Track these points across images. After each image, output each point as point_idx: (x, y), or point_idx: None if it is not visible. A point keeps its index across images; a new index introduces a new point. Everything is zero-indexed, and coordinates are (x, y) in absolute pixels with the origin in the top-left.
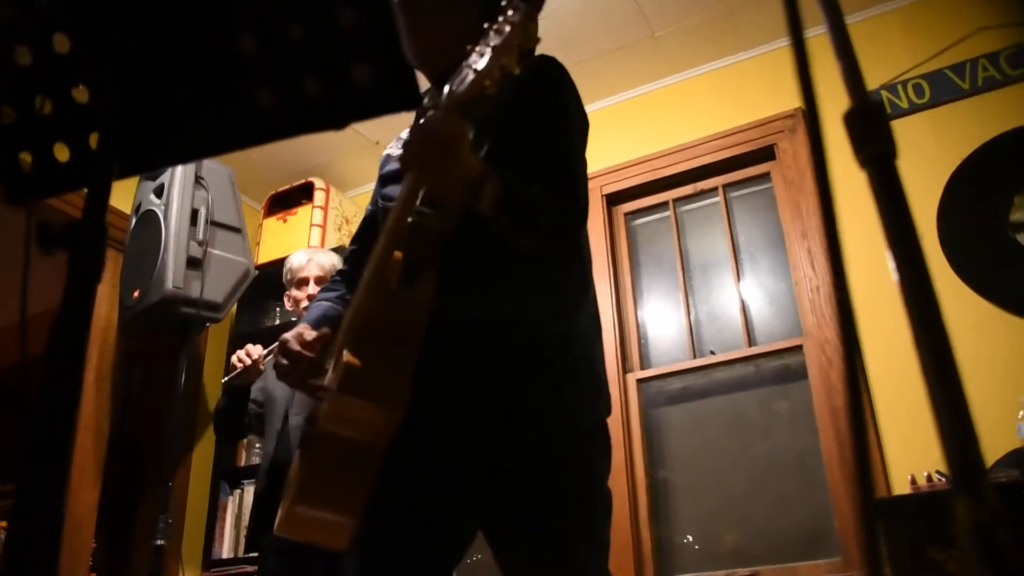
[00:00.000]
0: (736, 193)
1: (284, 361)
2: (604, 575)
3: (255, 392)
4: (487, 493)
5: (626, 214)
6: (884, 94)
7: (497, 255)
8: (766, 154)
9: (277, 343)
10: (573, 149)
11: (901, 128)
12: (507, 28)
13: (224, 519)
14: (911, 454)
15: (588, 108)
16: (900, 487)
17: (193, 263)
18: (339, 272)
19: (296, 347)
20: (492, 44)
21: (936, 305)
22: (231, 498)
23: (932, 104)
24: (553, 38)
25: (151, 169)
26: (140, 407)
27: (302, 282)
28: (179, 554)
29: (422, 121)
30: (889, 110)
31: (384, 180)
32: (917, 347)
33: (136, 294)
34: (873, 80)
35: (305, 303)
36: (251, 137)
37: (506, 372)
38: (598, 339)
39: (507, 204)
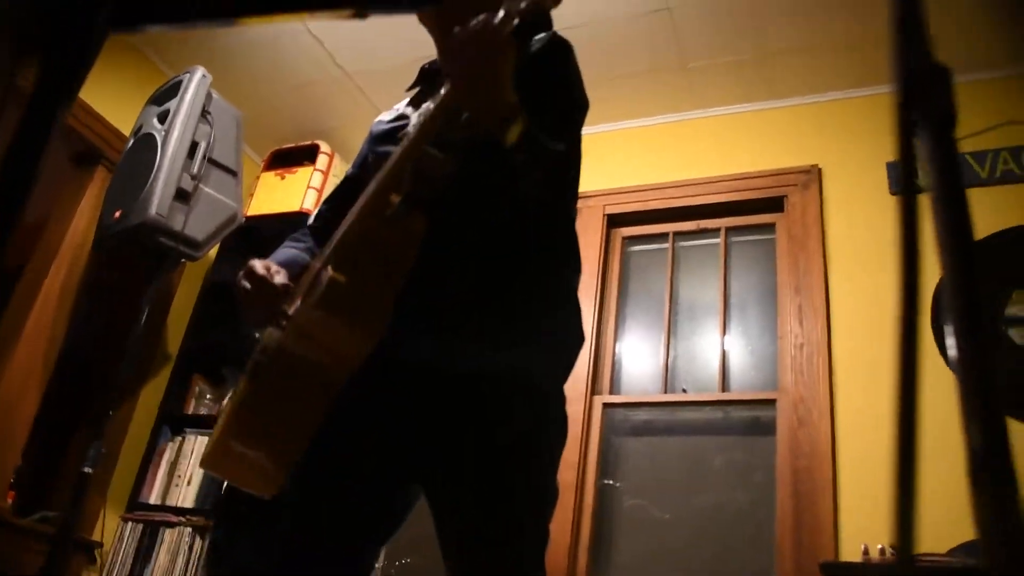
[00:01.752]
0: (738, 238)
1: (247, 285)
2: (540, 566)
3: None
4: (441, 456)
5: (624, 238)
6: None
7: (501, 208)
8: (775, 205)
9: (242, 269)
10: (573, 122)
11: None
12: None
13: (159, 464)
14: (867, 525)
15: (609, 127)
16: (850, 554)
17: (181, 195)
18: (308, 226)
19: (262, 271)
20: None
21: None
22: (170, 444)
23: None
24: (589, 47)
25: (147, 23)
26: (99, 331)
27: None
28: (105, 489)
29: (472, 28)
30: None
31: (377, 140)
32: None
33: (117, 214)
34: (893, 153)
35: None
36: (263, 5)
37: (485, 337)
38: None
39: (528, 143)
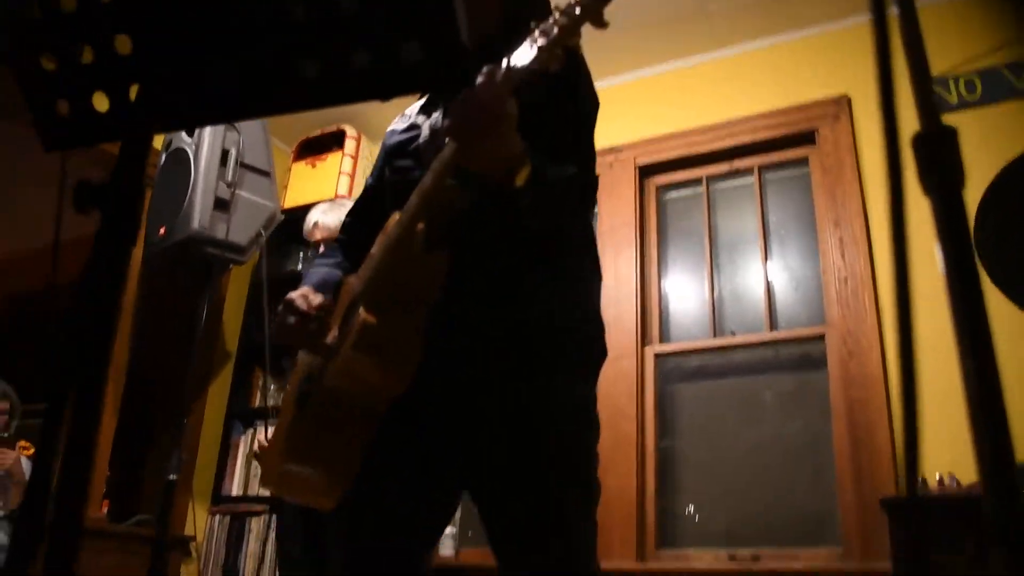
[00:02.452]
0: (772, 175)
1: (291, 319)
2: (592, 560)
3: None
4: (485, 466)
5: (658, 187)
6: (935, 88)
7: (514, 239)
8: (806, 138)
9: (281, 303)
10: (587, 129)
11: (949, 123)
12: (578, 10)
13: (236, 457)
14: (926, 453)
15: (630, 76)
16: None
17: (220, 204)
18: (337, 240)
19: (303, 305)
20: (561, 23)
21: (990, 343)
22: (243, 437)
23: (983, 102)
24: None
25: (189, 127)
26: (160, 342)
27: (313, 244)
28: (190, 488)
29: (474, 91)
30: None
31: (392, 154)
32: (963, 371)
33: (162, 231)
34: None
35: None
36: (293, 103)
37: (519, 353)
38: (600, 279)
39: (536, 186)
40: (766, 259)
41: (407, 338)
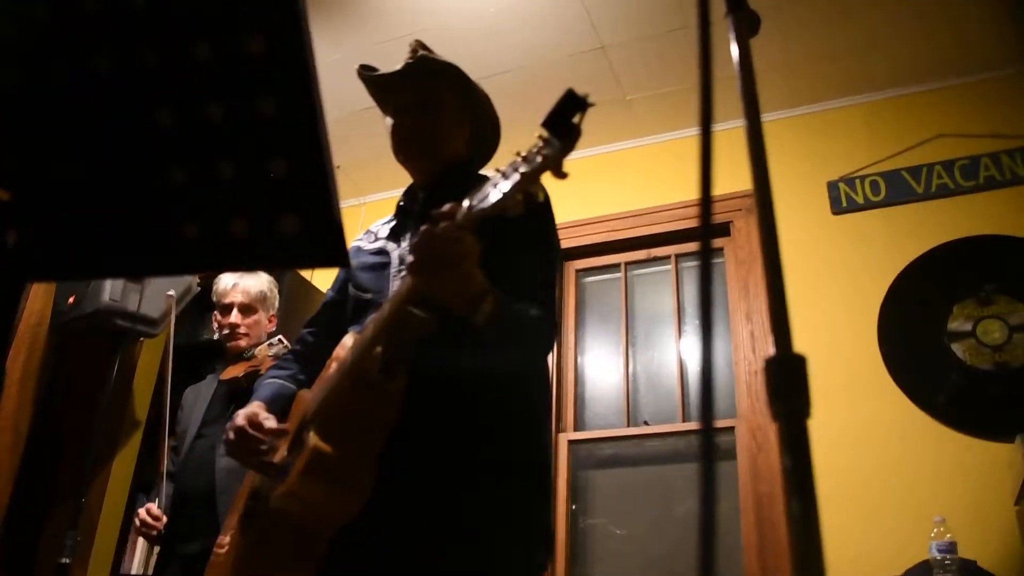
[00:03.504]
0: (688, 264)
1: (234, 439)
2: None
3: (176, 437)
4: None
5: (577, 271)
6: (842, 187)
7: (474, 372)
8: (721, 230)
9: (229, 423)
10: (552, 275)
11: (855, 222)
12: (539, 159)
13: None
14: (833, 559)
15: None
16: None
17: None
18: (291, 351)
19: (249, 430)
20: (521, 170)
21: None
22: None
23: (887, 203)
24: (528, 88)
25: (65, 279)
26: (64, 412)
27: (225, 308)
28: (84, 570)
29: (435, 230)
30: (845, 204)
31: (359, 270)
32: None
33: (71, 300)
34: (833, 171)
35: (226, 331)
36: (172, 265)
37: (468, 475)
38: (547, 484)
39: (499, 322)
40: (680, 348)
41: (359, 467)
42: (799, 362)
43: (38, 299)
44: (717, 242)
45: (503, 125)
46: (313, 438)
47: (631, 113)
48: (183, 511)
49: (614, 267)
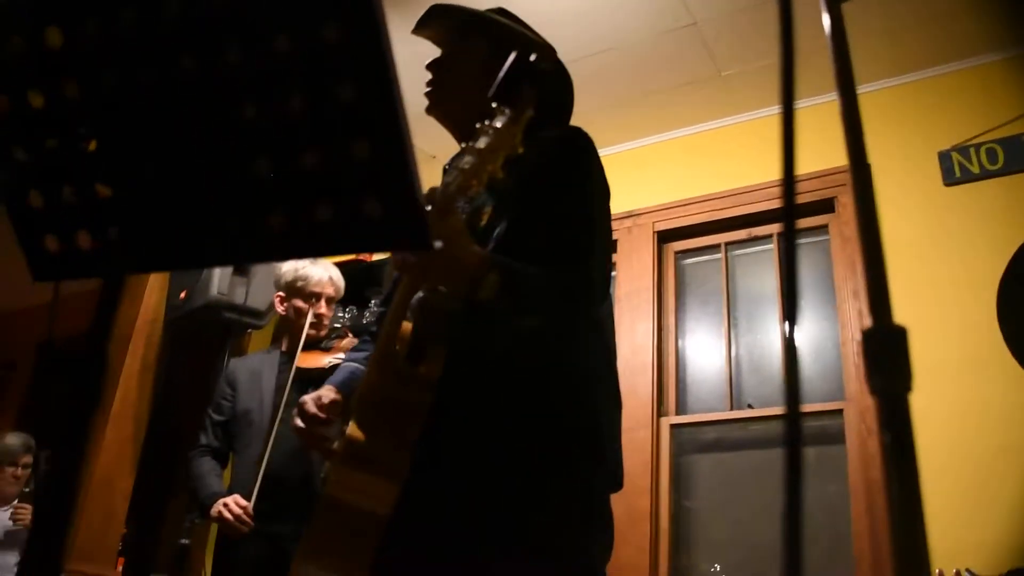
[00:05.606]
0: None
1: (299, 423)
2: None
3: (222, 412)
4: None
5: (676, 252)
6: (955, 156)
7: (509, 335)
8: (825, 206)
9: (296, 405)
10: (590, 226)
11: (969, 193)
12: (490, 133)
13: None
14: (940, 547)
15: (649, 140)
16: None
17: (240, 269)
18: (368, 332)
19: (312, 409)
20: (478, 147)
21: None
22: None
23: (1006, 171)
24: (622, 68)
25: (162, 269)
26: (181, 403)
27: (314, 296)
28: (203, 553)
29: None
30: (959, 174)
31: None
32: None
33: (183, 295)
34: (944, 141)
35: (313, 319)
36: (261, 253)
37: (510, 455)
38: (616, 422)
39: (508, 292)
40: (784, 329)
41: (393, 453)
42: (899, 334)
43: (153, 295)
44: (821, 219)
45: (594, 108)
46: (351, 426)
47: (728, 89)
48: (274, 494)
49: (714, 248)
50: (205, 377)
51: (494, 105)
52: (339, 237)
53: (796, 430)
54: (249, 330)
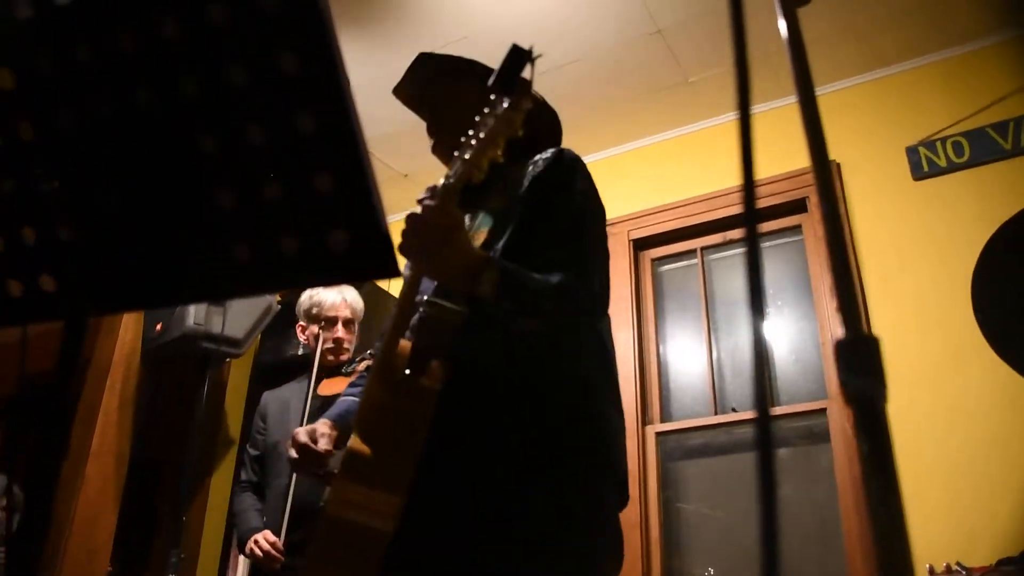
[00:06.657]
0: (767, 244)
1: (294, 455)
2: None
3: (256, 446)
4: None
5: (653, 260)
6: (922, 151)
7: (512, 345)
8: (798, 206)
9: (291, 440)
10: (586, 236)
11: (938, 187)
12: (491, 121)
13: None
14: (930, 542)
15: (621, 149)
16: (920, 570)
17: None
18: (368, 367)
19: (303, 439)
20: (479, 136)
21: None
22: None
23: (972, 163)
24: (590, 79)
25: (128, 309)
26: (162, 435)
27: (331, 321)
28: None
29: (418, 210)
30: (927, 168)
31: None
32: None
33: (159, 327)
34: (911, 136)
35: (330, 345)
36: (227, 288)
37: (516, 465)
38: (621, 431)
39: (508, 290)
40: (764, 331)
41: (396, 465)
42: (871, 344)
43: (129, 329)
44: (795, 219)
45: (565, 119)
46: (353, 440)
47: (695, 94)
48: (303, 525)
49: (690, 253)
50: (185, 409)
51: (492, 96)
52: (306, 269)
53: (766, 436)
54: (228, 359)
